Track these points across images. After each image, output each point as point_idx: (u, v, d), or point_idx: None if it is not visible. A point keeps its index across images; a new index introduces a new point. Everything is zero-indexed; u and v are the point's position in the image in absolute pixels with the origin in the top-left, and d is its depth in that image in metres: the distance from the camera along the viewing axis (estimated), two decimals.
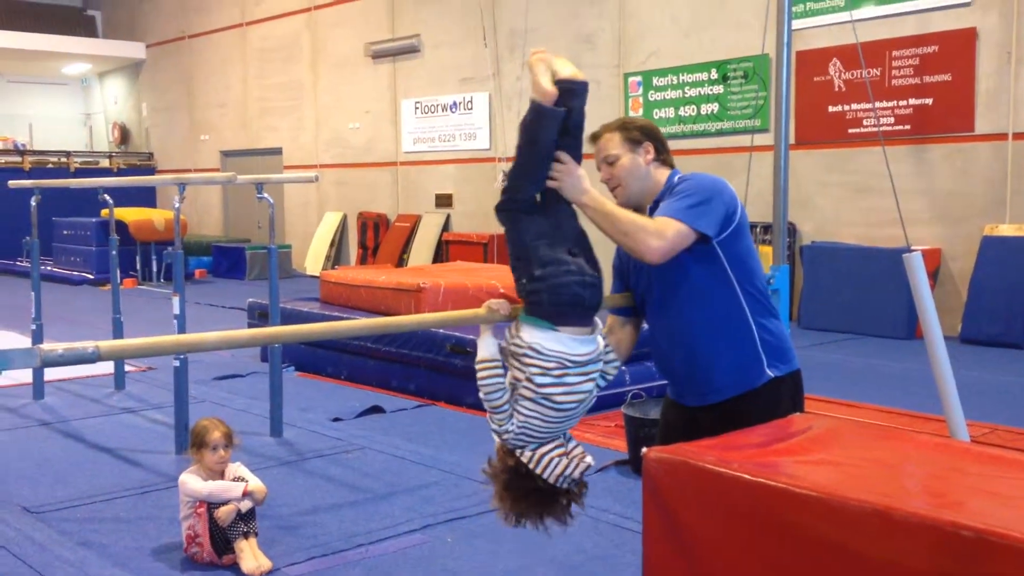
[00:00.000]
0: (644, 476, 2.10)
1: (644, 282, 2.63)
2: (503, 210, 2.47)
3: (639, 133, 2.61)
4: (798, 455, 2.09)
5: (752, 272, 2.57)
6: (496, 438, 2.47)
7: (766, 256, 8.61)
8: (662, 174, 2.60)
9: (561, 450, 2.44)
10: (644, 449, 2.11)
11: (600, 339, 2.45)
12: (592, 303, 2.41)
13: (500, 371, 2.40)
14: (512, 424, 2.40)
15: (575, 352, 2.36)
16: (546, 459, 2.42)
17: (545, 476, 2.42)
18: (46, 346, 1.77)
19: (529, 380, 2.36)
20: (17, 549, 3.85)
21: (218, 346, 1.89)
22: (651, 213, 2.59)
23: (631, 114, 11.40)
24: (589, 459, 2.47)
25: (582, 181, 2.42)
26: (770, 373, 2.54)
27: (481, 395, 2.42)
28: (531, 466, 2.42)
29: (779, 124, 3.00)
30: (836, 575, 1.80)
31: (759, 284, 2.58)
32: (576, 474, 2.44)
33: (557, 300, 2.36)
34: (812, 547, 1.83)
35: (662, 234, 2.37)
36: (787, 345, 2.61)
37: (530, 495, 2.46)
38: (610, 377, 2.50)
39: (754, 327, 2.54)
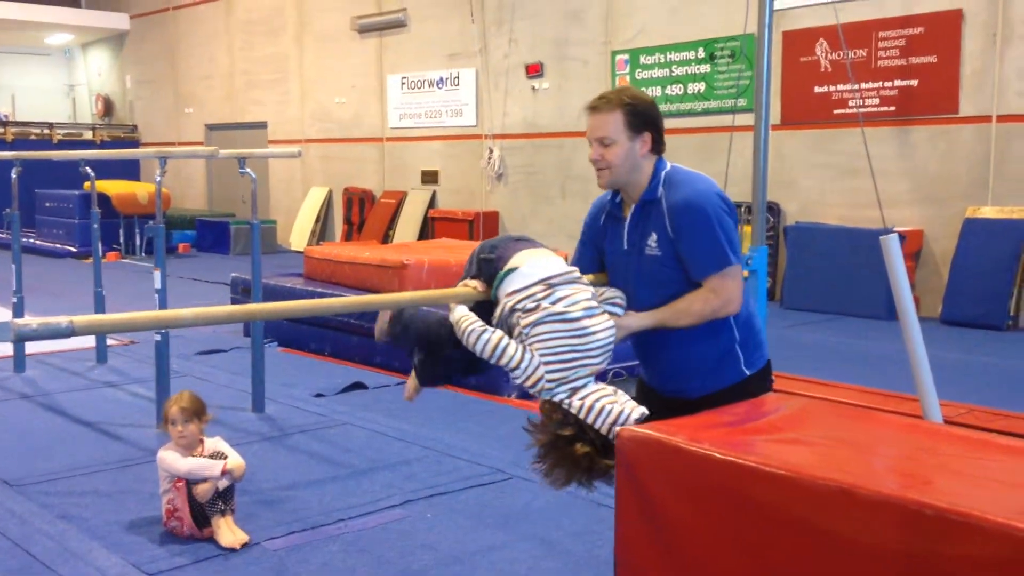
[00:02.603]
0: (617, 454, 2.12)
1: (622, 275, 2.62)
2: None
3: (641, 121, 2.53)
4: (769, 434, 2.12)
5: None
6: (534, 390, 2.37)
7: (745, 237, 8.64)
8: (650, 165, 2.56)
9: (611, 398, 2.34)
10: (617, 428, 2.13)
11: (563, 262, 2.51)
12: (518, 235, 2.58)
13: (476, 319, 2.42)
14: (534, 358, 2.32)
15: (545, 275, 2.40)
16: (598, 405, 2.29)
17: (596, 425, 2.28)
18: (20, 320, 1.77)
19: (526, 311, 2.36)
20: None
21: (195, 322, 1.89)
22: (637, 213, 2.57)
23: None
24: (644, 409, 2.33)
25: (626, 331, 2.50)
26: (746, 371, 2.56)
27: (476, 347, 2.37)
28: (581, 415, 2.30)
29: (759, 104, 3.00)
30: (804, 552, 1.83)
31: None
32: (629, 424, 2.28)
33: (492, 251, 2.53)
34: (780, 524, 1.85)
35: (730, 298, 2.48)
36: (762, 338, 2.64)
37: (575, 448, 2.30)
38: (621, 301, 2.51)
39: (735, 328, 2.55)
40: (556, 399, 2.35)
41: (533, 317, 2.35)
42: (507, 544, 3.70)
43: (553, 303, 2.35)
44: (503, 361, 2.34)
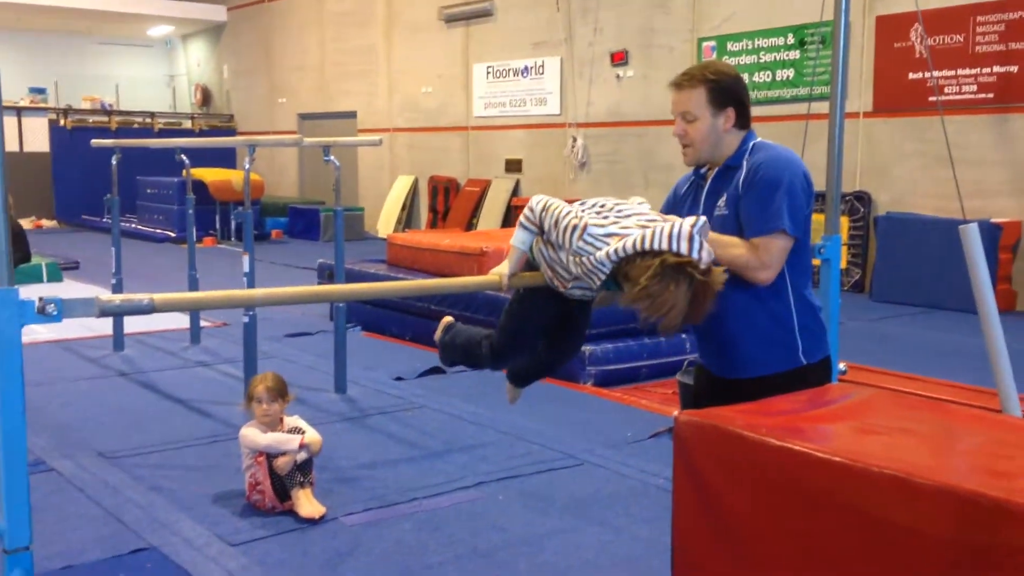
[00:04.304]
0: (675, 439, 2.14)
1: None
2: None
3: (725, 96, 2.54)
4: (828, 422, 2.11)
5: (805, 246, 2.58)
6: (579, 233, 2.36)
7: (819, 226, 8.46)
8: (737, 138, 2.58)
9: (656, 222, 2.31)
10: (675, 412, 2.14)
11: None
12: None
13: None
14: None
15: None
16: (648, 233, 2.24)
17: (656, 246, 2.22)
18: (104, 296, 1.88)
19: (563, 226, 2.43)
20: (92, 492, 4.07)
21: (264, 302, 1.99)
22: (718, 177, 2.59)
23: None
24: (702, 218, 2.26)
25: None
26: (803, 360, 2.54)
27: (536, 209, 2.48)
28: (641, 248, 2.24)
29: (835, 90, 2.96)
30: (858, 540, 1.83)
31: (807, 258, 2.60)
32: (683, 234, 2.21)
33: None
34: (835, 512, 1.85)
35: (767, 264, 2.46)
36: (823, 331, 2.61)
37: (641, 282, 2.22)
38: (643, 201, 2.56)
39: (794, 310, 2.53)
40: (613, 255, 2.28)
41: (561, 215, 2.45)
42: (576, 528, 3.74)
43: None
44: (557, 207, 2.43)
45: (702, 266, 2.21)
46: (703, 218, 2.26)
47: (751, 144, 2.58)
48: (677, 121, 2.60)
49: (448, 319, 3.04)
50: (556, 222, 2.41)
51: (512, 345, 2.77)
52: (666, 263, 2.19)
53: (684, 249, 2.20)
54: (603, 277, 2.33)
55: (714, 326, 2.58)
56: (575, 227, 2.36)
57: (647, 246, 2.22)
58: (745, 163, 2.55)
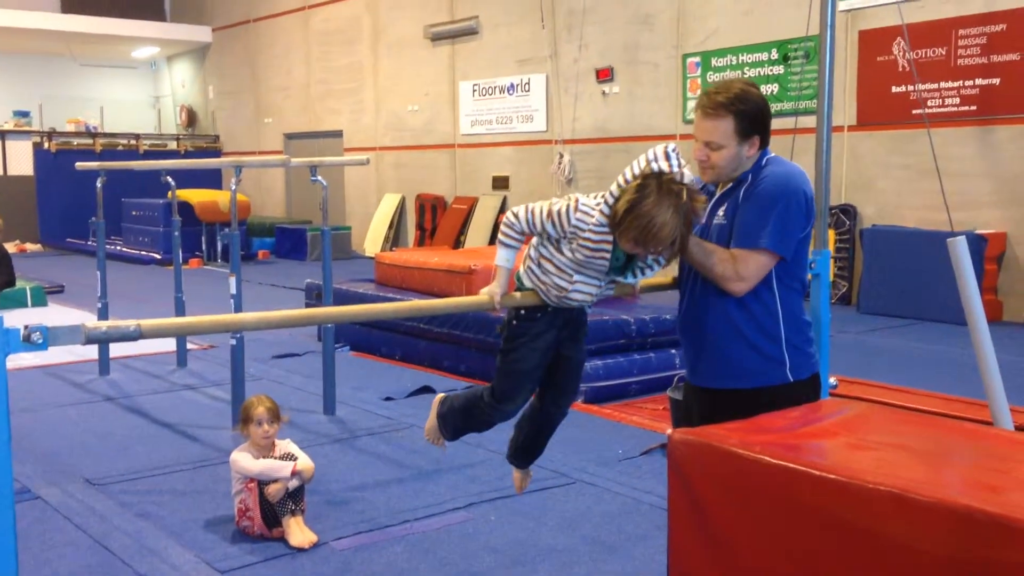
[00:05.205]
0: (669, 458, 2.12)
1: None
2: None
3: (752, 126, 2.51)
4: (823, 439, 2.10)
5: (800, 265, 2.58)
6: (575, 206, 2.46)
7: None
8: (754, 159, 2.59)
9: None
10: (669, 431, 2.13)
11: None
12: None
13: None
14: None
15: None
16: (627, 167, 2.39)
17: (638, 171, 2.36)
18: (90, 323, 1.86)
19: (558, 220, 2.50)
20: (79, 519, 4.02)
21: (256, 326, 1.97)
22: (728, 191, 2.60)
23: (688, 96, 11.29)
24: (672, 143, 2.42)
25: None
26: (790, 376, 2.54)
27: (522, 215, 2.54)
28: (628, 179, 2.37)
29: (822, 107, 2.97)
30: (854, 557, 1.82)
31: (802, 277, 2.60)
32: (660, 154, 2.36)
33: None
34: (830, 529, 1.84)
35: (743, 276, 2.47)
36: (812, 349, 2.62)
37: (638, 203, 2.32)
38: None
39: (782, 325, 2.53)
40: (605, 207, 2.40)
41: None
42: (568, 547, 3.71)
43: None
44: (539, 205, 2.52)
45: (685, 181, 2.32)
46: (672, 142, 2.38)
47: (764, 159, 2.59)
48: (700, 146, 2.56)
49: (440, 395, 3.08)
50: (548, 213, 2.47)
51: (515, 383, 2.74)
52: (647, 175, 2.32)
53: (664, 166, 2.32)
54: (609, 242, 2.38)
55: (702, 334, 2.60)
56: (567, 205, 2.45)
57: (629, 176, 2.34)
58: (752, 176, 2.57)
